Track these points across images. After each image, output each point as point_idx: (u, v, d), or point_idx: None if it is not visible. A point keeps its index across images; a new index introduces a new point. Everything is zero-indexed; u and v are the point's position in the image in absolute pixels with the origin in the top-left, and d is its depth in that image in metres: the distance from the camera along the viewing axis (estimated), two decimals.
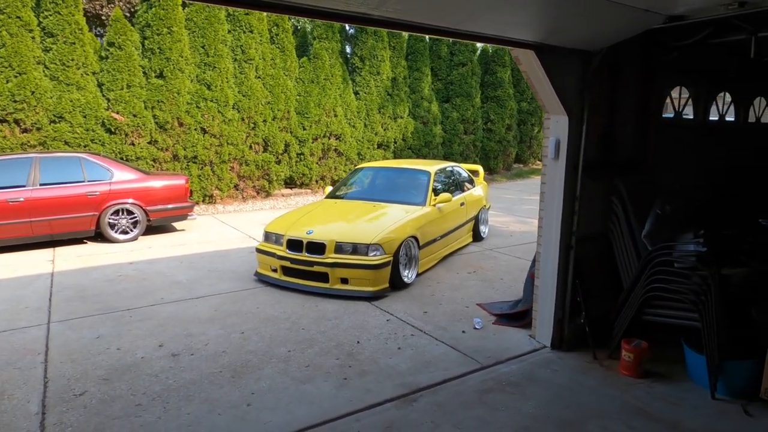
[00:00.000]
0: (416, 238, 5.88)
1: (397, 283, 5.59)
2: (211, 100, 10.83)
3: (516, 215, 10.36)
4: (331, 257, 5.36)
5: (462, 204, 7.26)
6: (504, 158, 17.14)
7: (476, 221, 7.88)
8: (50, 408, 3.22)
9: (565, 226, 3.98)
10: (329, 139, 12.89)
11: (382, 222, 5.81)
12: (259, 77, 11.72)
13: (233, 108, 11.23)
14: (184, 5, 10.66)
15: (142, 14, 10.39)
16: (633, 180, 4.10)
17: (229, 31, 11.19)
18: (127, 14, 13.90)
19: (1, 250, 7.26)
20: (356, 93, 13.55)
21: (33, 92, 9.06)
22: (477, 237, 7.97)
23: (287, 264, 5.59)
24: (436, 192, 6.70)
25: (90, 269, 6.42)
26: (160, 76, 10.34)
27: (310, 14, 2.41)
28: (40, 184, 7.42)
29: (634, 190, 4.04)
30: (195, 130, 10.71)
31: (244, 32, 11.32)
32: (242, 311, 4.94)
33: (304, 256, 5.47)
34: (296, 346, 4.16)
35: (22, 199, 7.21)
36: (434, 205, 6.44)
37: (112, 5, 13.93)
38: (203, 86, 10.81)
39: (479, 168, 9.07)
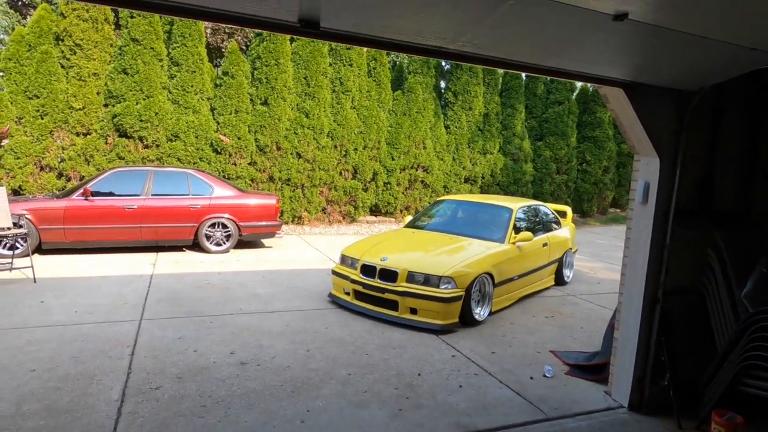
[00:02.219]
0: (491, 275, 5.72)
1: (467, 319, 5.45)
2: (308, 128, 11.48)
3: (606, 262, 9.72)
4: (402, 286, 5.37)
5: (545, 244, 6.97)
6: (599, 201, 16.26)
7: (560, 264, 7.51)
8: (128, 397, 3.51)
9: (651, 276, 3.68)
10: (416, 170, 13.06)
11: (457, 255, 5.74)
12: (354, 108, 12.26)
13: (327, 135, 11.81)
14: (292, 40, 11.53)
15: (255, 47, 11.38)
16: (733, 233, 3.71)
17: (330, 64, 11.89)
18: (243, 47, 15.28)
19: (114, 251, 8.13)
20: (447, 127, 13.67)
21: (156, 113, 10.19)
22: (560, 280, 7.57)
23: (359, 288, 5.68)
24: (517, 230, 6.51)
25: (183, 275, 6.97)
26: (265, 103, 11.19)
27: (382, 46, 2.52)
28: (152, 195, 8.26)
29: (735, 244, 3.65)
30: (291, 154, 11.39)
31: (344, 65, 11.96)
32: (311, 329, 5.08)
33: (377, 282, 5.53)
34: (357, 370, 4.18)
35: (135, 207, 8.06)
36: (514, 243, 6.25)
37: (232, 39, 15.39)
38: (302, 114, 11.51)
39: (567, 209, 8.67)
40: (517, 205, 6.98)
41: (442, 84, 14.56)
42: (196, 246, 8.63)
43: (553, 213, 7.89)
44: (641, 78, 3.31)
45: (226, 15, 2.16)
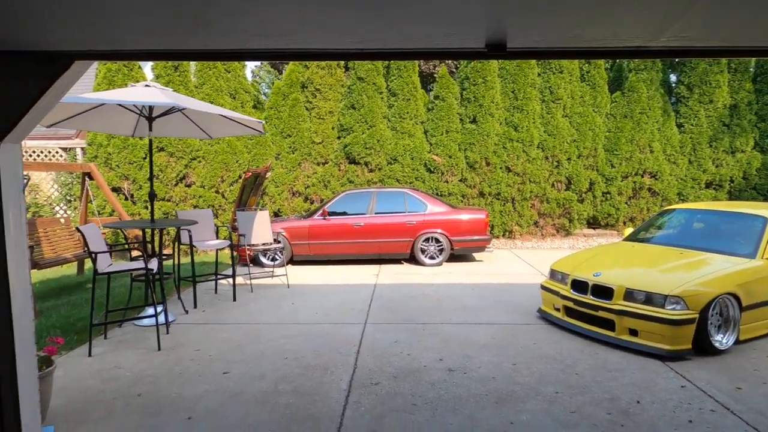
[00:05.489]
0: (737, 297, 4.83)
1: (704, 347, 4.70)
2: (517, 141, 11.40)
3: None
4: (619, 304, 4.94)
5: None
6: None
7: None
8: (354, 389, 4.06)
9: None
10: (642, 177, 11.74)
11: (689, 272, 5.01)
12: (566, 116, 11.71)
13: (537, 147, 11.53)
14: None
15: (463, 68, 11.87)
16: None
17: (538, 74, 11.63)
18: (452, 70, 16.02)
19: (346, 263, 9.38)
20: (680, 125, 11.96)
21: (378, 140, 11.44)
22: None
23: (570, 305, 5.42)
24: None
25: (400, 285, 7.65)
26: (473, 121, 11.53)
27: (574, 56, 2.46)
28: (375, 213, 9.29)
29: None
30: (500, 168, 11.45)
31: (554, 74, 11.55)
32: (518, 344, 5.05)
33: (589, 299, 5.20)
34: (566, 390, 4.01)
35: (362, 224, 9.18)
36: None
37: (443, 64, 16.30)
38: (510, 128, 11.50)
39: None
40: None
41: (672, 78, 12.81)
42: (412, 259, 9.35)
43: None
44: None
45: (419, 52, 2.44)
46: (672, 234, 6.34)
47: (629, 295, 4.91)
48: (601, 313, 5.07)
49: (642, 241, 6.36)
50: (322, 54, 2.33)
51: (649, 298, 4.78)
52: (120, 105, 5.72)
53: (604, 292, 5.09)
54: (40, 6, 2.06)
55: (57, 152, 12.80)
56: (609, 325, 5.02)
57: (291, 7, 1.81)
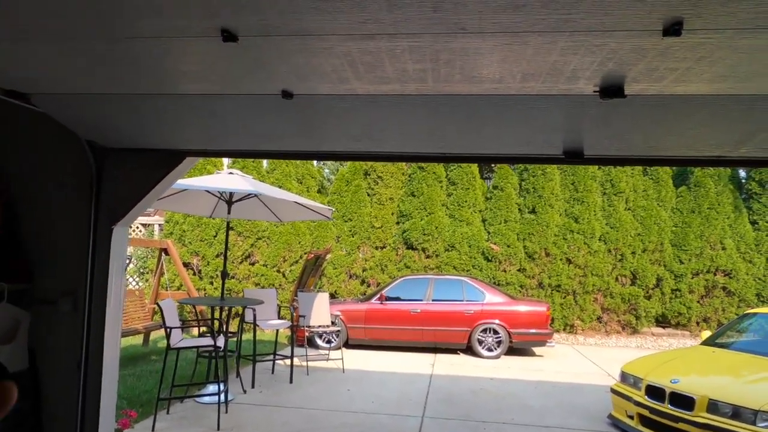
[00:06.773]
0: None
1: None
2: (578, 232, 11.24)
3: None
4: (701, 416, 4.55)
5: None
6: None
7: None
8: None
9: None
10: (714, 275, 11.12)
11: None
12: (629, 209, 11.53)
13: (599, 240, 11.29)
14: None
15: None
16: None
17: (598, 167, 11.65)
18: None
19: (400, 349, 9.23)
20: (753, 222, 11.44)
21: (436, 227, 11.61)
22: None
23: (645, 413, 5.04)
24: None
25: (458, 378, 7.39)
26: (533, 211, 11.55)
27: (650, 163, 2.54)
28: (432, 300, 9.23)
29: None
30: (560, 260, 11.23)
31: (614, 167, 11.55)
32: None
33: (666, 407, 4.82)
34: None
35: (419, 311, 9.12)
36: None
37: None
38: (570, 219, 11.40)
39: None
40: None
41: (741, 173, 12.45)
42: (468, 350, 9.08)
43: None
44: None
45: (499, 157, 2.61)
46: (756, 340, 5.89)
47: (713, 407, 4.53)
48: (681, 425, 4.67)
49: (722, 346, 5.93)
50: (409, 157, 2.54)
51: (737, 413, 4.38)
52: (207, 191, 6.23)
53: (683, 401, 4.72)
54: (172, 119, 2.42)
55: (137, 227, 13.81)
56: None
57: (423, 119, 2.02)
